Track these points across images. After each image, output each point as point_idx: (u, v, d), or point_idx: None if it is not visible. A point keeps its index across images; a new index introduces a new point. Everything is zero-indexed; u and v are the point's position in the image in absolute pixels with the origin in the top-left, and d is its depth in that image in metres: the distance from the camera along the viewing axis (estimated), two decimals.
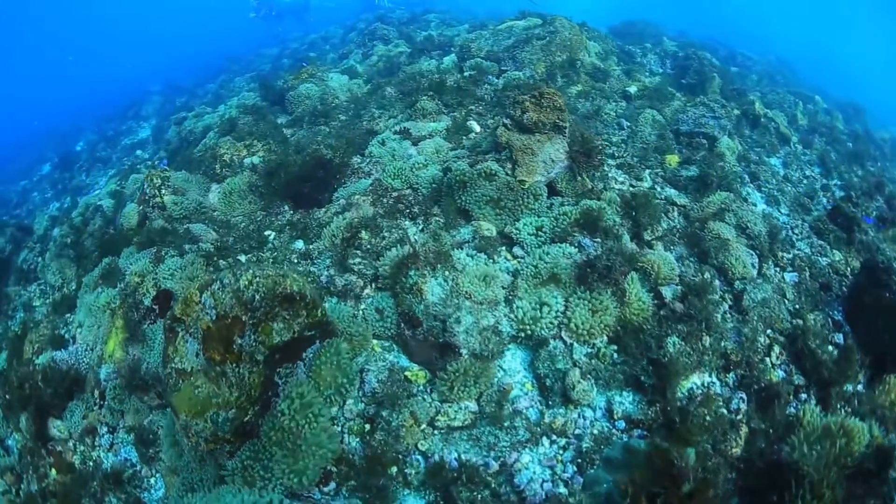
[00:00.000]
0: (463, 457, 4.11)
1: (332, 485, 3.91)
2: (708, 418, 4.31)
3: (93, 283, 6.41)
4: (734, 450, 4.33)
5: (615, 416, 4.42)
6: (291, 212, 6.43)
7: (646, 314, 4.76)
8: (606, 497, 3.33)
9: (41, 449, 5.68)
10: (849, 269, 6.31)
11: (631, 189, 6.66)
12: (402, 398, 4.26)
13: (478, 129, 7.23)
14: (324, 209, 6.13)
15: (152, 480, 4.81)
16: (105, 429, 5.37)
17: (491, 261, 4.94)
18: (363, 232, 5.23)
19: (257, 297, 3.29)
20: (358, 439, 4.21)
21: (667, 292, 5.12)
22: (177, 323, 3.92)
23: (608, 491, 3.33)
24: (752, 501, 3.91)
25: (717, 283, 5.45)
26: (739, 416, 4.54)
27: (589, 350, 4.64)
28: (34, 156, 16.46)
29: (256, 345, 3.45)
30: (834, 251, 6.61)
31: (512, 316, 4.57)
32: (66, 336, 6.50)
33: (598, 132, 7.99)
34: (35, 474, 5.67)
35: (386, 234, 5.16)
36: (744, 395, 4.68)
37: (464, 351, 4.22)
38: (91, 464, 5.34)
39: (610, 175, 6.68)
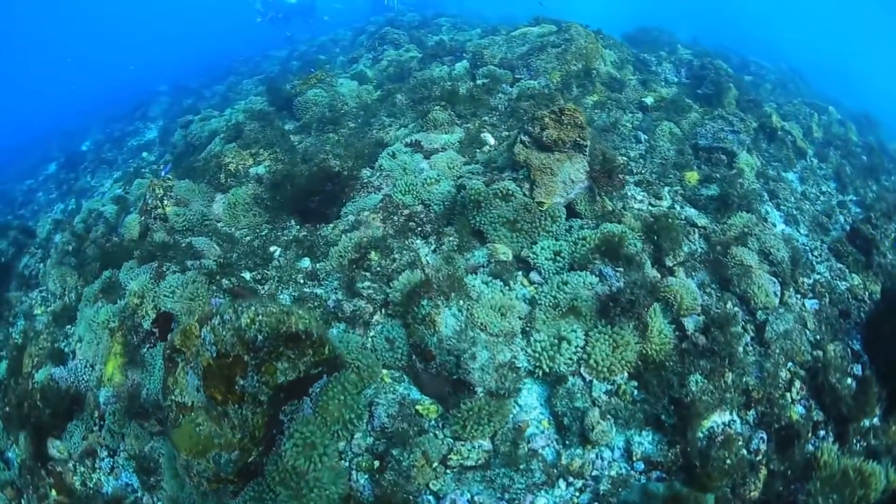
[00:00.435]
0: (476, 498, 3.91)
1: None
2: (728, 461, 4.12)
3: (93, 297, 6.23)
4: (752, 493, 4.18)
5: (634, 458, 4.22)
6: (298, 227, 6.22)
7: (668, 348, 4.57)
8: None
9: (41, 469, 5.53)
10: (867, 293, 6.21)
11: (650, 208, 6.42)
12: (412, 435, 4.05)
13: (492, 141, 6.99)
14: (331, 225, 5.91)
15: None
16: (105, 452, 5.20)
17: (507, 287, 4.71)
18: (373, 253, 5.01)
19: (260, 336, 3.08)
20: (366, 476, 4.00)
21: (689, 324, 4.92)
22: (176, 353, 3.72)
23: None
24: None
25: (738, 312, 5.27)
26: (759, 457, 4.42)
27: (609, 387, 4.43)
28: (41, 154, 16.37)
29: (260, 385, 3.25)
30: (853, 275, 6.49)
31: (529, 350, 4.34)
32: (66, 350, 6.34)
33: (616, 146, 7.74)
34: (35, 494, 5.53)
35: (397, 256, 4.94)
36: (764, 435, 4.54)
37: (479, 389, 4.00)
38: (92, 487, 5.19)
39: (629, 193, 6.43)
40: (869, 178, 9.95)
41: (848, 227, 7.43)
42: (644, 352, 4.49)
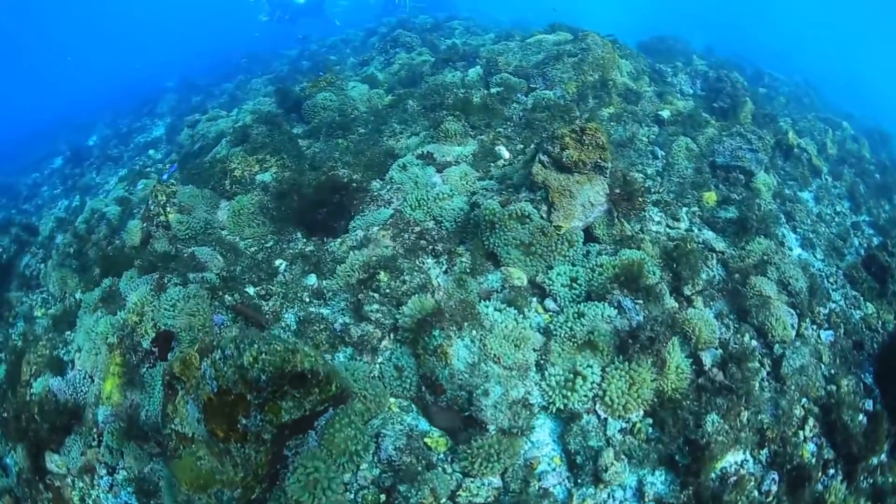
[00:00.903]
0: None
1: None
2: None
3: (93, 305, 6.09)
4: None
5: (646, 498, 4.09)
6: (304, 240, 6.04)
7: (685, 384, 4.45)
8: None
9: (39, 483, 5.41)
10: (880, 322, 6.16)
11: (668, 231, 6.23)
12: (420, 470, 3.88)
13: (507, 155, 6.79)
14: (339, 240, 5.73)
15: None
16: (104, 469, 5.05)
17: (521, 315, 4.52)
18: (382, 273, 4.83)
19: (263, 376, 2.91)
20: None
21: (706, 358, 4.77)
22: (176, 381, 3.56)
23: None
24: None
25: (756, 345, 5.19)
26: (770, 499, 4.37)
27: (624, 425, 4.27)
28: (48, 147, 16.25)
29: (263, 424, 3.08)
30: (867, 303, 6.44)
31: (544, 384, 4.16)
32: (65, 359, 6.21)
33: (633, 162, 7.53)
34: None
35: (407, 278, 4.76)
36: (776, 476, 4.47)
37: (491, 427, 3.82)
38: None
39: (646, 215, 6.23)
40: (882, 198, 9.87)
41: (863, 252, 7.49)
42: (661, 388, 4.34)
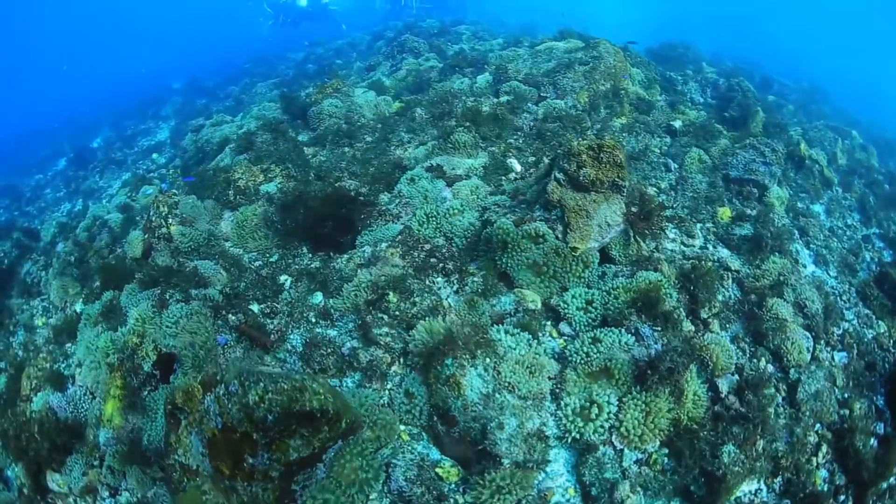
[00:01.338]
0: None
1: None
2: None
3: (93, 318, 5.96)
4: None
5: None
6: (310, 255, 5.89)
7: (701, 412, 4.35)
8: None
9: (41, 502, 5.30)
10: (892, 342, 6.16)
11: (683, 249, 6.09)
12: (432, 502, 3.73)
13: (518, 168, 6.64)
14: (346, 256, 5.58)
15: None
16: (107, 491, 4.92)
17: (535, 341, 4.37)
18: (391, 294, 4.69)
19: (270, 417, 2.77)
20: None
21: (723, 385, 4.68)
22: (178, 411, 3.42)
23: None
24: None
25: (771, 369, 5.13)
26: None
27: (640, 456, 4.13)
28: (52, 147, 16.16)
29: (271, 462, 2.94)
30: (879, 322, 6.40)
31: (560, 413, 4.01)
32: (66, 373, 6.09)
33: (646, 175, 7.38)
34: None
35: (417, 300, 4.61)
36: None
37: (506, 461, 3.67)
38: None
39: (662, 232, 6.08)
40: (891, 209, 9.76)
41: (874, 267, 7.52)
42: (677, 417, 4.21)
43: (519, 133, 7.70)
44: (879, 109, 18.02)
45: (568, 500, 4.00)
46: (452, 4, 18.61)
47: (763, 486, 4.47)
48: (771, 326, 5.31)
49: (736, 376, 4.86)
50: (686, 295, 5.07)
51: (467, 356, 3.87)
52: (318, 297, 5.17)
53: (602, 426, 3.97)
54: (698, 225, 6.62)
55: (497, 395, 3.81)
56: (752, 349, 5.27)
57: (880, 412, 5.35)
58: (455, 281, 5.09)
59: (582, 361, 4.19)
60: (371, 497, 3.83)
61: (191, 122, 11.88)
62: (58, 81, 27.27)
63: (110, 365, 4.80)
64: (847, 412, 5.16)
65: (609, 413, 4.01)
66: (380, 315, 4.60)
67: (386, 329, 4.42)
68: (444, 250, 5.35)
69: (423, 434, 4.15)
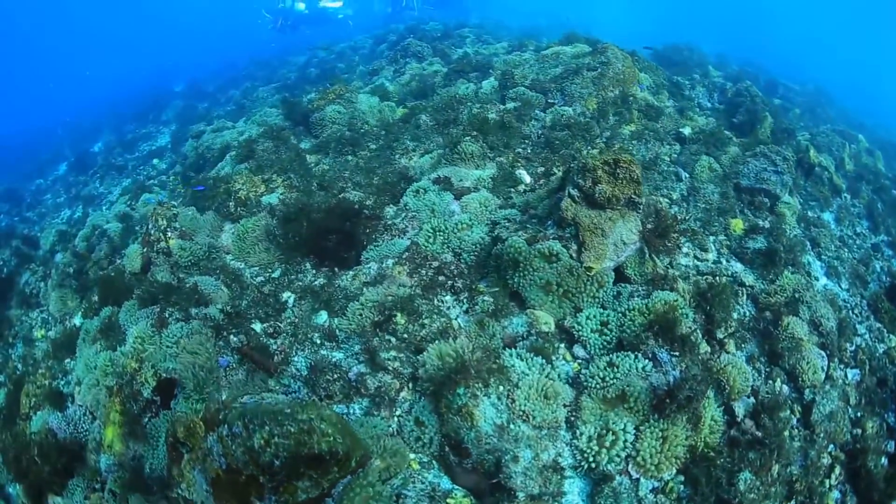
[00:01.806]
0: None
1: None
2: None
3: (92, 335, 5.81)
4: None
5: None
6: (314, 271, 5.73)
7: (717, 437, 4.24)
8: None
9: None
10: None
11: (697, 263, 5.92)
12: None
13: (528, 179, 6.47)
14: (351, 273, 5.42)
15: None
16: None
17: (549, 365, 4.21)
18: (398, 315, 4.52)
19: (277, 462, 2.61)
20: None
21: (739, 409, 4.56)
22: (180, 444, 3.27)
23: None
24: None
25: (787, 391, 5.04)
26: None
27: (656, 484, 3.98)
28: (53, 151, 16.03)
29: None
30: (890, 336, 6.34)
31: (575, 443, 3.85)
32: (65, 391, 5.94)
33: (657, 185, 7.20)
34: None
35: (426, 322, 4.44)
36: None
37: (521, 494, 3.51)
38: None
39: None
40: None
41: (885, 277, 7.45)
42: (694, 443, 4.07)
43: (527, 141, 7.52)
44: (882, 111, 17.89)
45: None
46: (454, 6, 18.42)
47: None
48: (787, 346, 5.20)
49: (752, 399, 4.74)
50: (702, 314, 4.91)
51: (480, 385, 3.71)
52: (323, 317, 5.01)
53: (618, 455, 3.82)
54: (711, 238, 6.45)
55: (511, 426, 3.64)
56: (768, 370, 5.16)
57: (891, 430, 5.33)
58: (465, 300, 4.93)
59: (597, 387, 4.03)
60: None
61: (192, 128, 11.73)
62: (61, 81, 27.17)
63: (109, 388, 4.65)
64: (860, 431, 5.15)
65: (626, 442, 3.86)
66: (387, 337, 4.44)
67: (394, 353, 4.26)
68: (452, 267, 5.18)
69: (434, 463, 3.99)
